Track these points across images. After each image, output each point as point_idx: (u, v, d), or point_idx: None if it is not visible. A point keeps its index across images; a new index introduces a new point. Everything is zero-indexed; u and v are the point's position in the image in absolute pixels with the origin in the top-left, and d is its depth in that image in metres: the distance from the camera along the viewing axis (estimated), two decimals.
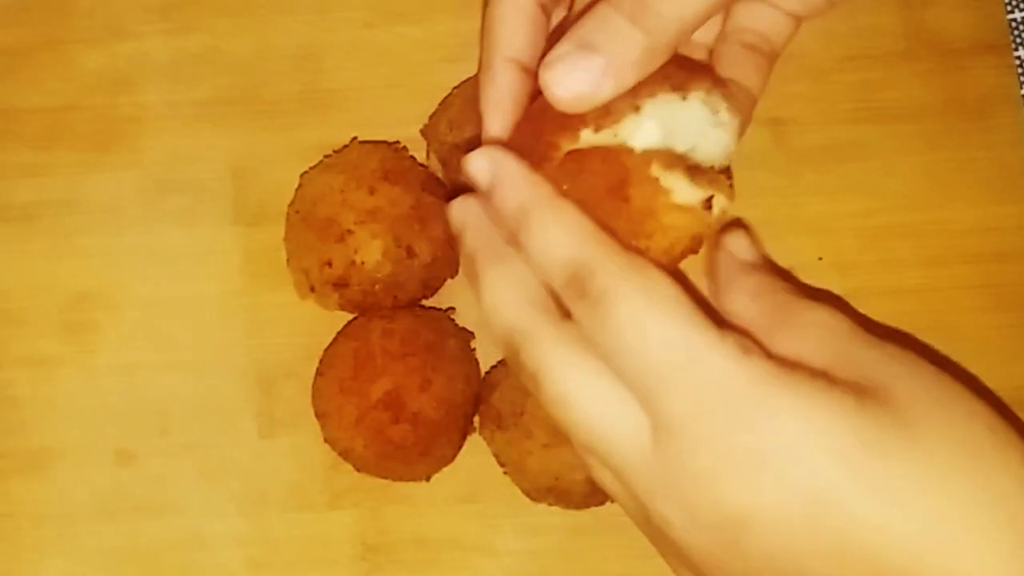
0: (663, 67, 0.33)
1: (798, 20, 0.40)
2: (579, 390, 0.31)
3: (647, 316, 0.30)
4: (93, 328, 0.45)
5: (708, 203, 0.32)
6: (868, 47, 0.47)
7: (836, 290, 0.45)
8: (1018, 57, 0.47)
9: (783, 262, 0.45)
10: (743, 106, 0.37)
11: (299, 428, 0.44)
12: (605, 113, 0.32)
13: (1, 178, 0.47)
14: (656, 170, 0.32)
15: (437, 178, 0.44)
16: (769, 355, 0.30)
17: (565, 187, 0.32)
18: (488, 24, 0.36)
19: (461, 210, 0.34)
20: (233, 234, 0.46)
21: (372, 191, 0.42)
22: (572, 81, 0.32)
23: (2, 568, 0.44)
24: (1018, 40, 0.47)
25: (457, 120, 0.43)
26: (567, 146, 0.32)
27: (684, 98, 0.33)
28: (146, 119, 0.47)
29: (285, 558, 0.44)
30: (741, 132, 0.36)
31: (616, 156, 0.32)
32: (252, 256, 0.46)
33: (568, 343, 0.31)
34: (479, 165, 0.33)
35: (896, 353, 0.32)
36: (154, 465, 0.44)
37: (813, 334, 0.32)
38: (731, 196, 0.33)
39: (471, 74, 0.44)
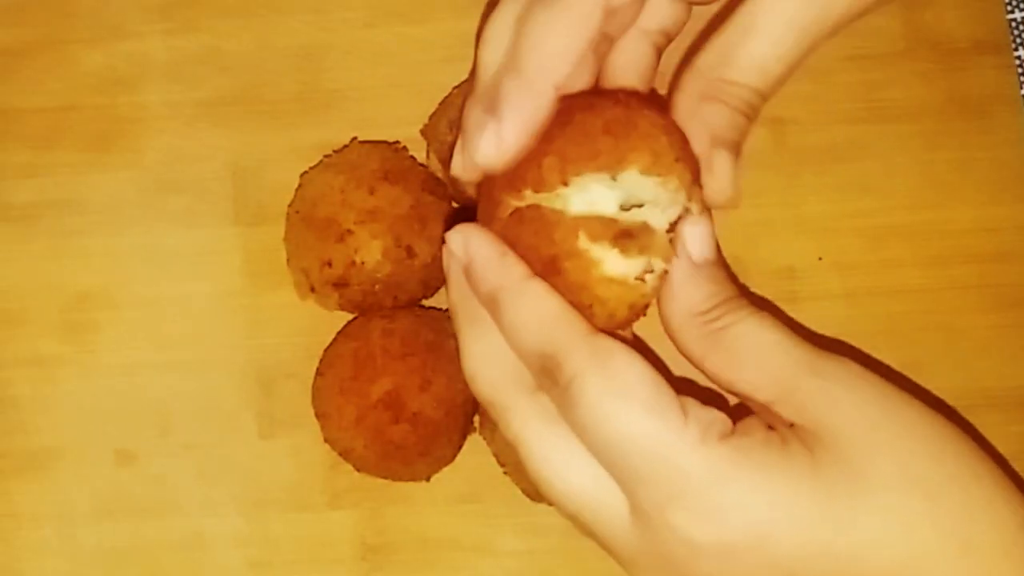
0: (602, 137, 0.32)
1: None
2: (557, 465, 0.33)
3: (611, 409, 0.31)
4: (93, 328, 0.45)
5: (645, 271, 0.32)
6: (868, 47, 0.47)
7: (836, 290, 0.45)
8: (1018, 57, 0.47)
9: (783, 262, 0.45)
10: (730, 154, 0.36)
11: (299, 428, 0.44)
12: (540, 180, 0.32)
13: (1, 178, 0.47)
14: (584, 242, 0.32)
15: (437, 178, 0.44)
16: (729, 430, 0.32)
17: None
18: (542, 29, 0.34)
19: (446, 260, 0.35)
20: (233, 234, 0.46)
21: (372, 191, 0.42)
22: (479, 145, 0.33)
23: (2, 568, 0.44)
24: (1018, 40, 0.47)
25: (457, 120, 0.43)
26: (512, 203, 0.33)
27: (614, 178, 0.32)
28: (146, 119, 0.47)
29: (285, 558, 0.44)
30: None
31: (548, 227, 0.32)
32: (252, 256, 0.46)
33: (544, 419, 0.33)
34: (454, 246, 0.34)
35: (838, 376, 0.33)
36: (154, 465, 0.44)
37: (752, 363, 0.33)
38: (669, 257, 0.33)
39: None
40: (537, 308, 0.32)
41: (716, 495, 0.31)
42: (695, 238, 0.33)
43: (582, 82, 0.35)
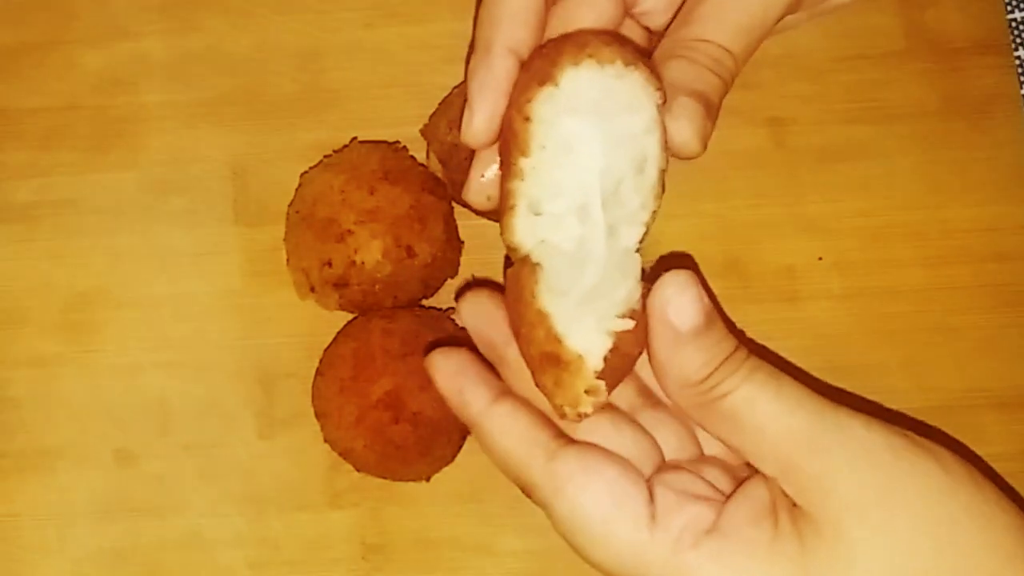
0: (533, 64, 0.34)
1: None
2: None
3: (579, 532, 0.33)
4: (93, 328, 0.45)
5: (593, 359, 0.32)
6: (868, 47, 0.47)
7: (836, 290, 0.45)
8: (1018, 57, 0.47)
9: (783, 262, 0.45)
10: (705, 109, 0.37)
11: (299, 428, 0.44)
12: (515, 136, 0.33)
13: (1, 178, 0.47)
14: (527, 334, 0.32)
15: (437, 178, 0.44)
16: (705, 530, 0.32)
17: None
18: (492, 10, 0.36)
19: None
20: (233, 234, 0.46)
21: (372, 191, 0.42)
22: (466, 125, 0.35)
23: (2, 568, 0.44)
24: (1018, 40, 0.47)
25: (457, 120, 0.43)
26: (518, 188, 0.33)
27: (557, 84, 0.32)
28: (146, 119, 0.47)
29: (285, 558, 0.44)
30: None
31: (523, 303, 0.33)
32: (252, 256, 0.46)
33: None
34: (435, 377, 0.36)
35: (839, 451, 0.31)
36: (154, 465, 0.44)
37: (751, 437, 0.32)
38: (575, 403, 0.32)
39: None
40: (501, 439, 0.34)
41: None
42: (680, 309, 0.32)
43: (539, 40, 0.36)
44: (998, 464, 0.44)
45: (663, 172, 0.35)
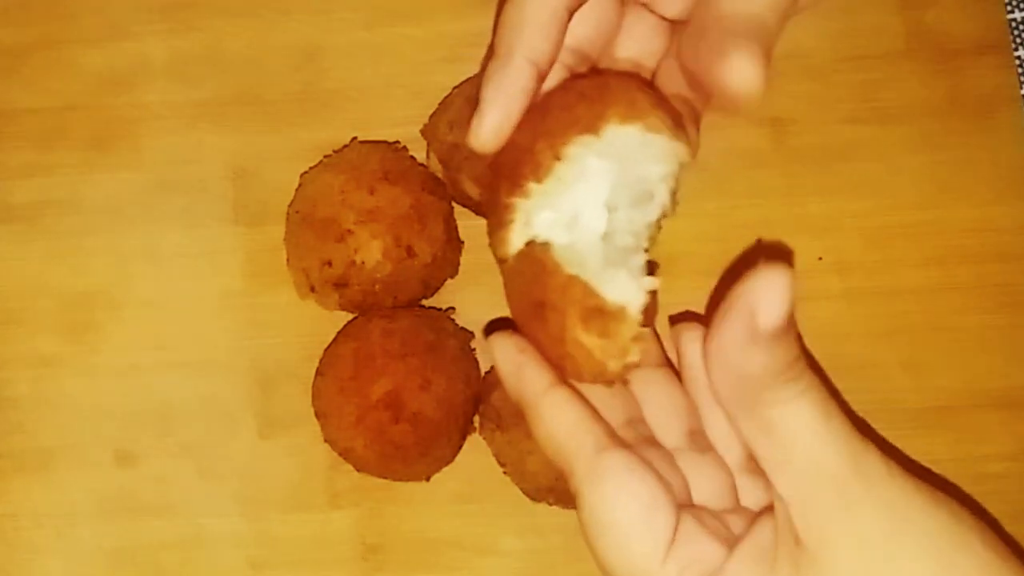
0: (574, 106, 0.33)
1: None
2: None
3: (600, 534, 0.33)
4: (93, 328, 0.45)
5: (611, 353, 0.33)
6: (868, 47, 0.47)
7: (836, 290, 0.45)
8: (1018, 57, 0.47)
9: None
10: (687, 117, 0.37)
11: (299, 428, 0.44)
12: (536, 166, 0.33)
13: (1, 178, 0.47)
14: (560, 299, 0.32)
15: (437, 178, 0.44)
16: (714, 571, 0.32)
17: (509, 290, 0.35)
18: (515, 17, 0.35)
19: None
20: (233, 234, 0.46)
21: (372, 191, 0.42)
22: (473, 131, 0.34)
23: (2, 568, 0.44)
24: (1018, 40, 0.47)
25: (457, 120, 0.43)
26: (520, 205, 0.33)
27: (598, 135, 0.33)
28: (146, 119, 0.47)
29: (285, 558, 0.44)
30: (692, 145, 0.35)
31: (544, 273, 0.33)
32: (252, 256, 0.46)
33: None
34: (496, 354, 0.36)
35: (859, 504, 0.31)
36: (154, 465, 0.44)
37: (782, 452, 0.31)
38: (623, 352, 0.32)
39: (471, 74, 0.44)
40: (555, 421, 0.34)
41: None
42: (770, 306, 0.30)
43: (556, 54, 0.35)
44: (998, 464, 0.44)
45: (663, 217, 0.36)
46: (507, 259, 0.34)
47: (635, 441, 0.35)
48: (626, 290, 0.33)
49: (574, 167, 0.33)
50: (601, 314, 0.32)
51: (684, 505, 0.34)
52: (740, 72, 0.32)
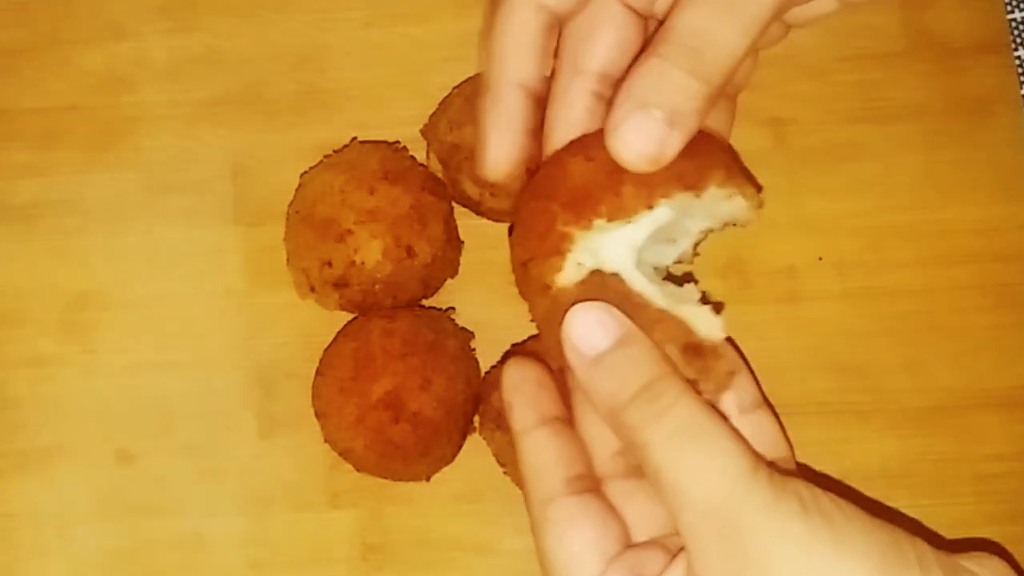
0: (676, 161, 0.32)
1: (757, 54, 0.40)
2: None
3: (546, 567, 0.34)
4: (93, 328, 0.45)
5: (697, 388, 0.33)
6: (868, 47, 0.47)
7: (836, 290, 0.45)
8: (1018, 57, 0.47)
9: (783, 262, 0.45)
10: None
11: (299, 428, 0.44)
12: (619, 207, 0.32)
13: (1, 178, 0.47)
14: (657, 335, 0.32)
15: (437, 178, 0.44)
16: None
17: None
18: (492, 46, 0.35)
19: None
20: (233, 234, 0.46)
21: (372, 191, 0.42)
22: (640, 142, 0.32)
23: (2, 568, 0.44)
24: (1018, 40, 0.47)
25: (457, 120, 0.43)
26: (579, 237, 0.33)
27: (698, 196, 0.33)
28: (146, 119, 0.47)
29: (285, 558, 0.44)
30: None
31: (632, 308, 0.33)
32: (252, 256, 0.46)
33: None
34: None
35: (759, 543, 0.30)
36: (154, 465, 0.44)
37: (668, 503, 0.31)
38: (721, 387, 0.33)
39: (471, 74, 0.44)
40: (523, 462, 0.35)
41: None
42: (580, 330, 0.32)
43: (548, 71, 0.35)
44: (998, 464, 0.44)
45: (677, 263, 0.37)
46: (554, 286, 0.33)
47: (619, 473, 0.36)
48: (711, 326, 0.33)
49: (653, 215, 0.33)
50: (699, 351, 0.32)
51: (620, 552, 0.34)
52: (627, 144, 0.32)
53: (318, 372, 0.43)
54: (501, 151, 0.35)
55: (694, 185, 0.33)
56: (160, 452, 0.44)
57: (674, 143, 0.32)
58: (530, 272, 0.34)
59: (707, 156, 0.33)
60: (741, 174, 0.34)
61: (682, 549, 0.32)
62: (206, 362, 0.45)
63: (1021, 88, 0.47)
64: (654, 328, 0.33)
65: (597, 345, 0.32)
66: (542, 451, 0.35)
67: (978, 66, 0.47)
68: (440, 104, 0.45)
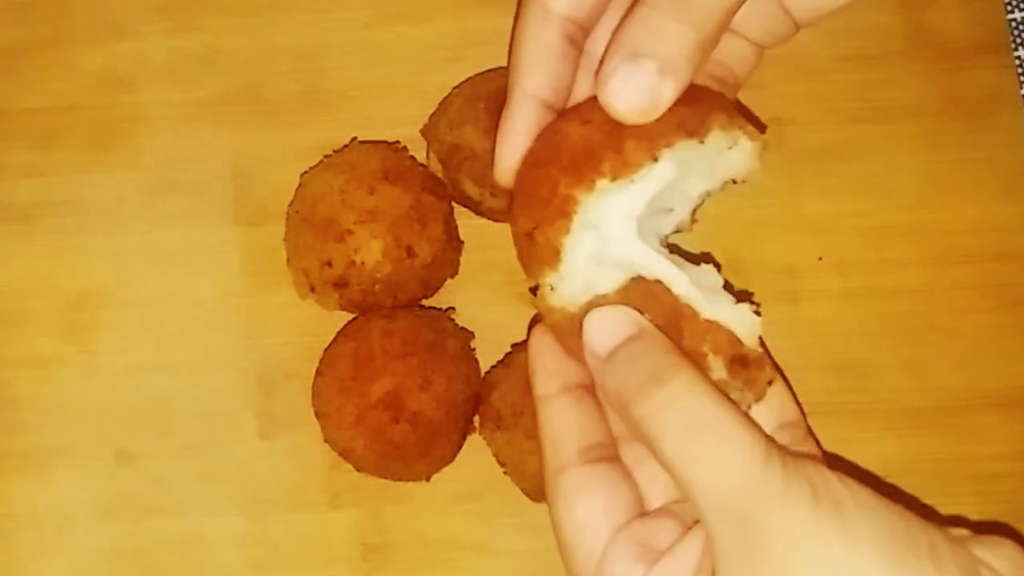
0: (677, 111, 0.32)
1: (761, 50, 0.40)
2: None
3: (558, 535, 0.35)
4: (93, 328, 0.45)
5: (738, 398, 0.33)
6: (868, 47, 0.47)
7: (836, 290, 0.45)
8: (1018, 57, 0.47)
9: (783, 262, 0.45)
10: None
11: (299, 428, 0.44)
12: (623, 163, 0.32)
13: (1, 178, 0.47)
14: (707, 348, 0.32)
15: (437, 178, 0.44)
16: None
17: None
18: (513, 56, 0.36)
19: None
20: (233, 234, 0.46)
21: (372, 191, 0.42)
22: (631, 93, 0.32)
23: (2, 568, 0.44)
24: (1018, 40, 0.47)
25: (457, 120, 0.43)
26: (584, 199, 0.32)
27: (701, 141, 0.33)
28: (146, 119, 0.47)
29: (285, 558, 0.44)
30: None
31: (678, 314, 0.32)
32: (252, 256, 0.46)
33: None
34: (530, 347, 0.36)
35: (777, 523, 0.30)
36: (154, 465, 0.44)
37: (683, 488, 0.31)
38: (758, 398, 0.33)
39: (471, 74, 0.44)
40: (542, 429, 0.36)
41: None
42: (595, 329, 0.32)
43: (567, 81, 0.36)
44: (998, 464, 0.44)
45: (676, 232, 0.37)
46: (562, 250, 0.33)
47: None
48: (751, 326, 0.33)
49: (656, 170, 0.32)
50: (745, 362, 0.32)
51: (629, 521, 0.34)
52: (618, 96, 0.32)
53: (318, 372, 0.43)
54: (512, 160, 0.35)
55: (696, 130, 0.32)
56: (160, 452, 0.44)
57: (666, 92, 0.32)
58: (536, 240, 0.33)
59: (707, 103, 0.33)
60: (743, 117, 0.34)
61: (697, 522, 0.33)
62: (206, 362, 0.45)
63: (1021, 88, 0.47)
64: (704, 340, 0.32)
65: (610, 342, 0.32)
66: (560, 419, 0.35)
67: (978, 66, 0.47)
68: (440, 104, 0.45)
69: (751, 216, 0.46)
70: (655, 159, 0.32)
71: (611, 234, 0.33)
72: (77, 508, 0.44)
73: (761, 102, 0.46)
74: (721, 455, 0.30)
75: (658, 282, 0.33)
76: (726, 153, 0.34)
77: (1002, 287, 0.45)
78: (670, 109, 0.32)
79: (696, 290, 0.33)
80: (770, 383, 0.33)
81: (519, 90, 0.35)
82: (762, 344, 0.33)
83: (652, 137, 0.32)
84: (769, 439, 0.30)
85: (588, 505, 0.34)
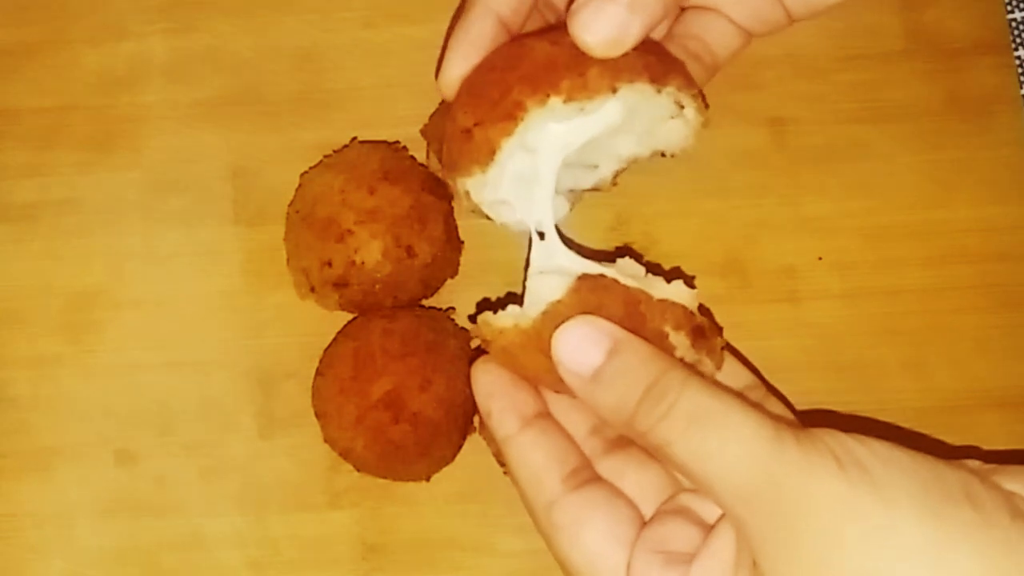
0: (643, 56, 0.33)
1: (748, 37, 0.40)
2: None
3: (569, 571, 0.34)
4: (93, 328, 0.45)
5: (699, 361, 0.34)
6: (868, 47, 0.47)
7: (836, 290, 0.45)
8: (1018, 57, 0.47)
9: (783, 262, 0.45)
10: None
11: (299, 428, 0.44)
12: (582, 86, 0.33)
13: (1, 178, 0.47)
14: (668, 327, 0.33)
15: (437, 178, 0.44)
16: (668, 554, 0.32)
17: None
18: None
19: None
20: (233, 234, 0.46)
21: (372, 191, 0.42)
22: (600, 24, 0.32)
23: (2, 568, 0.44)
24: (1018, 40, 0.47)
25: None
26: (532, 110, 0.33)
27: (659, 91, 0.34)
28: (146, 119, 0.47)
29: (285, 558, 0.44)
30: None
31: (635, 300, 0.33)
32: (252, 256, 0.46)
33: None
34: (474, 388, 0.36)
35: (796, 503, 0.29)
36: (154, 465, 0.44)
37: (703, 488, 0.31)
38: (719, 365, 0.34)
39: None
40: (517, 469, 0.36)
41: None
42: (570, 350, 0.32)
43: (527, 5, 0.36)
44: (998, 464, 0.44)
45: (591, 189, 0.38)
46: (498, 151, 0.33)
47: (600, 451, 0.36)
48: (691, 297, 0.34)
49: (605, 105, 0.33)
50: (703, 333, 0.33)
51: (636, 533, 0.34)
52: (587, 27, 0.32)
53: (318, 372, 0.43)
54: (459, 69, 0.36)
55: (658, 79, 0.33)
56: (160, 452, 0.44)
57: (634, 29, 0.32)
58: (475, 136, 0.34)
59: (672, 63, 0.35)
60: (699, 90, 0.35)
61: (721, 518, 0.32)
62: (206, 362, 0.45)
63: (1021, 88, 0.47)
64: (665, 319, 0.33)
65: (591, 361, 0.32)
66: (533, 455, 0.35)
67: (978, 66, 0.47)
68: (440, 104, 0.45)
69: (751, 216, 0.46)
70: (613, 90, 0.33)
71: (542, 161, 0.34)
72: (77, 508, 0.44)
73: (761, 102, 0.46)
74: (732, 446, 0.29)
75: (603, 275, 0.33)
76: (669, 122, 0.35)
77: (1002, 287, 0.45)
78: (637, 52, 0.33)
79: (632, 279, 0.34)
80: (723, 348, 0.34)
81: (481, 3, 0.36)
82: (703, 312, 0.34)
83: (617, 70, 0.33)
84: (775, 417, 0.30)
85: (593, 531, 0.33)
